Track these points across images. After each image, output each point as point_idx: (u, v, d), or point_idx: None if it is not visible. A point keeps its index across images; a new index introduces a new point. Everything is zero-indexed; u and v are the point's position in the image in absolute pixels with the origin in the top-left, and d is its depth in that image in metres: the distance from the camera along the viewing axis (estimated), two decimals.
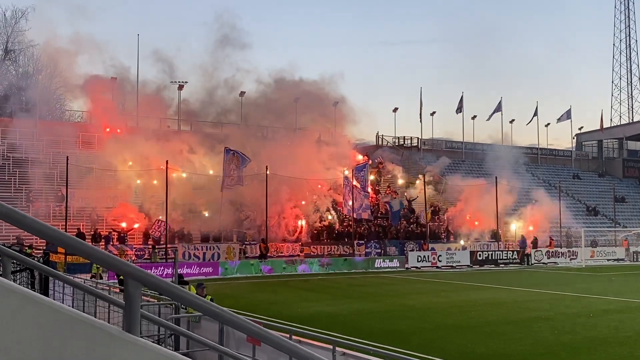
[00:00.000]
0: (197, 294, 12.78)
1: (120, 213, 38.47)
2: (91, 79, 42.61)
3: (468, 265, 41.83)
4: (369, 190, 45.91)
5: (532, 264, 43.70)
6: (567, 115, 69.84)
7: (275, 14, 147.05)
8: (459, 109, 63.82)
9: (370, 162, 52.69)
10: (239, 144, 42.10)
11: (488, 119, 65.35)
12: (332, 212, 44.91)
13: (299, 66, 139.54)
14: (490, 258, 43.28)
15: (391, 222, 45.43)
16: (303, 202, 43.50)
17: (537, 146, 69.26)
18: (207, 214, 40.47)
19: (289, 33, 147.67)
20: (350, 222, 42.51)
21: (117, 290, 16.14)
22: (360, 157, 51.38)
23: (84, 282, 17.77)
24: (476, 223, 47.17)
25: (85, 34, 43.76)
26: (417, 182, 49.88)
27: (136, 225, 38.05)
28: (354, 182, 42.58)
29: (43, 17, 44.95)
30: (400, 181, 53.83)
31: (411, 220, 46.85)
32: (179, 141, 42.09)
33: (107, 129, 43.00)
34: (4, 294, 2.16)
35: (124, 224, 37.63)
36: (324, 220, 43.61)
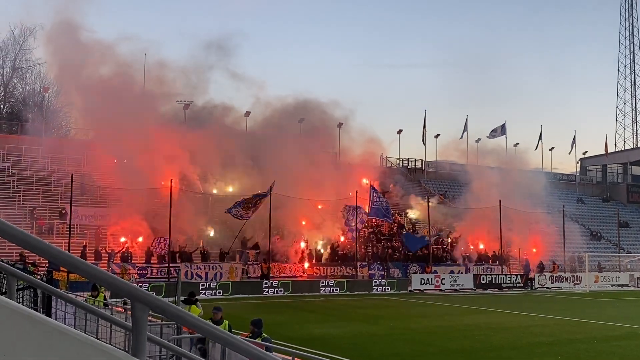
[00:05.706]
0: (212, 317, 12.82)
1: (124, 231, 38.33)
2: (96, 97, 42.59)
3: (471, 289, 41.60)
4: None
5: (535, 289, 43.42)
6: (572, 141, 70.40)
7: (279, 36, 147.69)
8: (464, 131, 63.92)
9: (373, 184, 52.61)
10: (247, 164, 42.41)
11: (489, 136, 65.11)
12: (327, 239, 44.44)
13: (303, 88, 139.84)
14: (493, 282, 43.06)
15: (406, 245, 44.77)
16: (303, 222, 43.33)
17: (541, 170, 69.11)
18: (211, 234, 40.49)
19: (294, 56, 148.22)
20: (352, 243, 42.35)
21: (121, 310, 16.07)
22: (366, 181, 51.15)
23: (86, 300, 17.73)
24: (481, 246, 46.99)
25: (94, 52, 43.55)
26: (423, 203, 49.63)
27: (140, 239, 37.85)
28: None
29: (50, 34, 44.94)
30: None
31: None
32: (184, 160, 42.07)
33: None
34: (9, 316, 2.15)
35: (121, 239, 37.34)
36: (324, 242, 43.28)
